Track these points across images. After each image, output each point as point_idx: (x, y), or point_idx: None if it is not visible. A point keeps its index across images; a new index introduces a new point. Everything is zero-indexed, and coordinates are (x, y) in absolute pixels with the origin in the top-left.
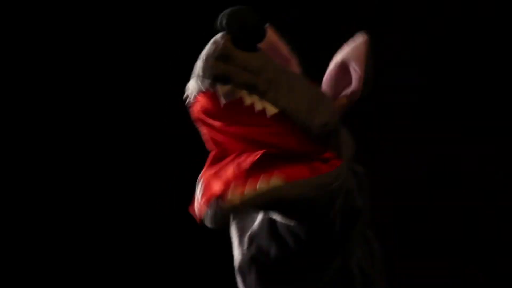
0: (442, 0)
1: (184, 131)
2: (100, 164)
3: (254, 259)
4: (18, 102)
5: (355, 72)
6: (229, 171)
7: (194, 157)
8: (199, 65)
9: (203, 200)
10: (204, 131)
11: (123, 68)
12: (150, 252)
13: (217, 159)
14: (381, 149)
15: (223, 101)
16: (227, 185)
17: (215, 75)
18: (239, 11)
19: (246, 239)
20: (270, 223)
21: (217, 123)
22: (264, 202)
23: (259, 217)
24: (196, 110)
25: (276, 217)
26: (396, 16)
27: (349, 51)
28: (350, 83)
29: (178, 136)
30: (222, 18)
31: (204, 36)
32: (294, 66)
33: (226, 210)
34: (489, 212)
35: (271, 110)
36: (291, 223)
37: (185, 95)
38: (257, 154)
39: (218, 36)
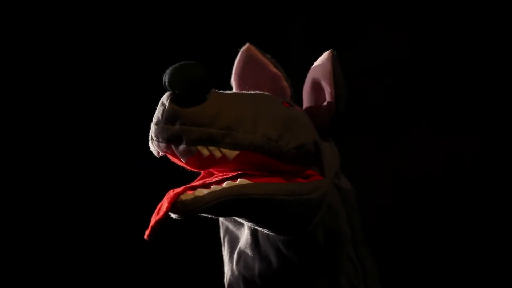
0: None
1: None
2: (100, 164)
3: (242, 275)
4: (18, 102)
5: (326, 90)
6: (199, 182)
7: None
8: (152, 129)
9: (164, 202)
10: None
11: (121, 68)
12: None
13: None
14: (380, 149)
15: (182, 160)
16: (191, 188)
17: (167, 139)
18: (180, 69)
19: (235, 255)
20: (253, 237)
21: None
22: (229, 197)
23: (246, 232)
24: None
25: (253, 225)
26: (396, 16)
27: (316, 70)
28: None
29: None
30: (164, 78)
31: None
32: (282, 81)
33: (190, 205)
34: (489, 212)
35: (231, 154)
36: (270, 232)
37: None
38: (234, 172)
39: (164, 97)
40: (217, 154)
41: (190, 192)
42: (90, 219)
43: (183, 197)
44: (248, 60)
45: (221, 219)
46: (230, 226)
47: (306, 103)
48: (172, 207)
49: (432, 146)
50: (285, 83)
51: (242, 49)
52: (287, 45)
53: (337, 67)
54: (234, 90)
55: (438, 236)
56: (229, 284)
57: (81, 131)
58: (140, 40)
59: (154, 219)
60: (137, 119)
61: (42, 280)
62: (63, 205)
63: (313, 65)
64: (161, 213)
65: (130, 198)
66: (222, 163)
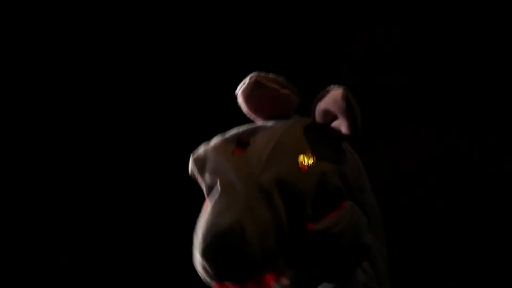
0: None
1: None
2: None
3: None
4: (18, 103)
5: (342, 121)
6: None
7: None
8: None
9: None
10: None
11: (121, 68)
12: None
13: None
14: (380, 146)
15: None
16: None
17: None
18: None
19: None
20: None
21: None
22: None
23: None
24: None
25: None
26: (397, 15)
27: (330, 103)
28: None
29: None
30: (208, 266)
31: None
32: (291, 96)
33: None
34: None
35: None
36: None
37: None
38: None
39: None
40: None
41: None
42: (90, 219)
43: None
44: (259, 91)
45: None
46: None
47: (320, 119)
48: None
49: (430, 143)
50: (294, 97)
51: (249, 82)
52: (288, 45)
53: (354, 103)
54: (255, 122)
55: (436, 236)
56: None
57: (81, 132)
58: (140, 41)
59: None
60: (137, 119)
61: (43, 280)
62: (63, 206)
63: (324, 97)
64: None
65: (130, 198)
66: None
